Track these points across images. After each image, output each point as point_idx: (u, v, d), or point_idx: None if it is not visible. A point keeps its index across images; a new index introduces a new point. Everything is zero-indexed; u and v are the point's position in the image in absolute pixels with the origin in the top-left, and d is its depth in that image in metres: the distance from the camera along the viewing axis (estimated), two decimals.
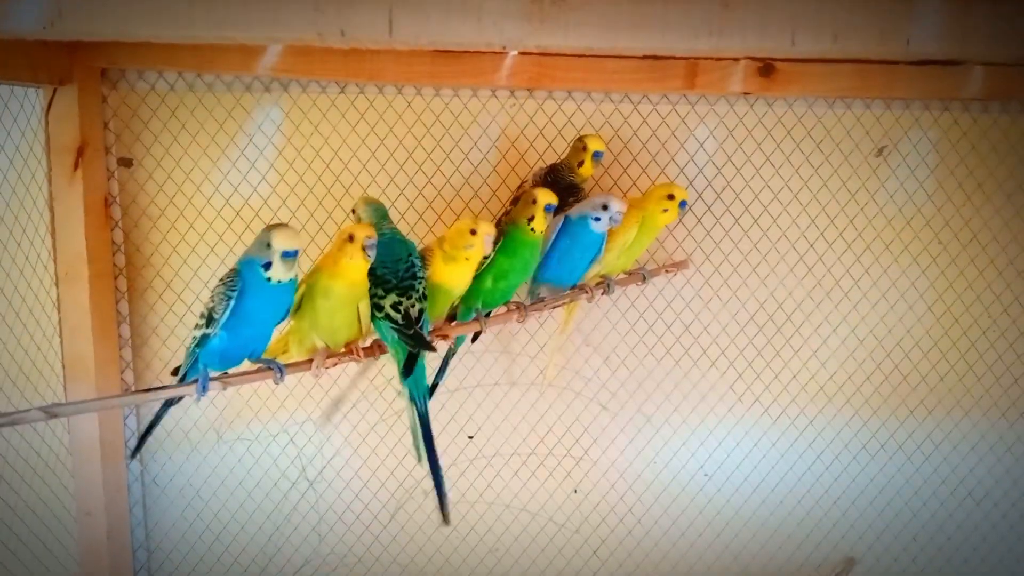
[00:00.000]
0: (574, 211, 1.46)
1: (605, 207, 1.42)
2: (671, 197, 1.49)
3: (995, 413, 1.78)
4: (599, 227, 1.43)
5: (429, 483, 1.41)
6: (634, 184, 1.69)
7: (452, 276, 1.36)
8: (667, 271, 1.68)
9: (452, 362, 1.59)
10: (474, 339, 1.64)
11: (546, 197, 1.38)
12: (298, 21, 0.97)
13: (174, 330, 1.68)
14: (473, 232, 1.31)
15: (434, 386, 1.56)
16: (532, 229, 1.38)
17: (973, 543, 1.84)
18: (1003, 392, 1.77)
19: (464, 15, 0.96)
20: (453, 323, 1.47)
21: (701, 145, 1.68)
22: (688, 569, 1.84)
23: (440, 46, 1.00)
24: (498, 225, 1.40)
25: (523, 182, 1.64)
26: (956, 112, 1.67)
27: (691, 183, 1.69)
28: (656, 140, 1.67)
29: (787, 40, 0.98)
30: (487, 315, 1.47)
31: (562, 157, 1.59)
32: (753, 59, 1.53)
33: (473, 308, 1.46)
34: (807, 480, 1.81)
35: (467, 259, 1.33)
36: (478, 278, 1.41)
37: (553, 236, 1.46)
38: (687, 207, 1.52)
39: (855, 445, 1.79)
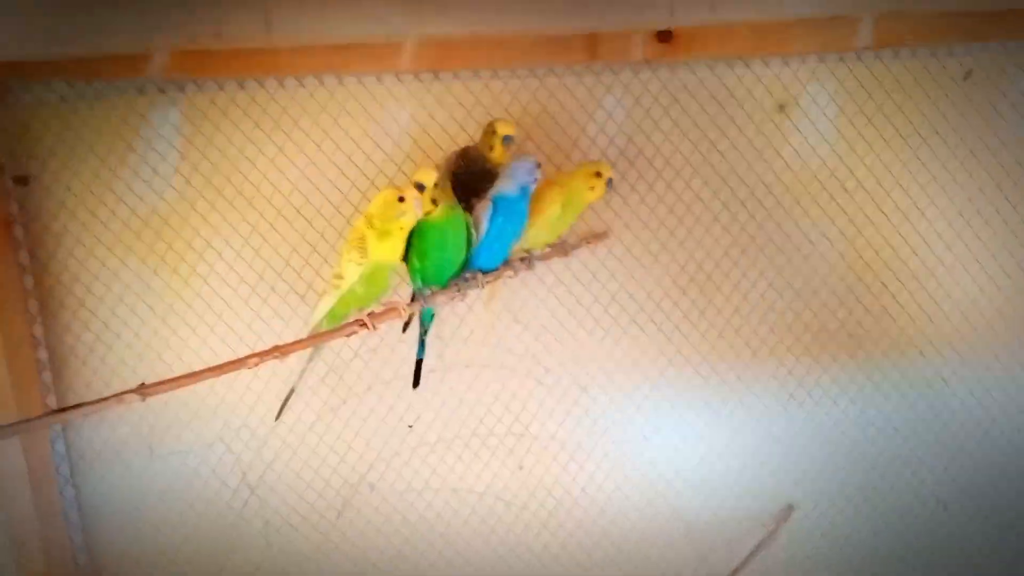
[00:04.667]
0: (503, 188, 1.45)
1: (539, 166, 1.42)
2: (598, 175, 1.50)
3: (912, 351, 1.86)
4: (522, 190, 1.43)
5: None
6: (548, 159, 1.69)
7: (388, 251, 1.34)
8: (589, 243, 1.69)
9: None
10: (404, 327, 1.63)
11: (418, 176, 1.36)
12: (170, 26, 0.95)
13: (93, 348, 1.64)
14: (402, 199, 1.29)
15: (419, 363, 1.57)
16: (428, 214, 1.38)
17: (905, 478, 1.92)
18: (918, 331, 1.84)
19: (345, 9, 0.95)
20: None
21: (610, 114, 1.70)
22: (634, 531, 1.88)
23: (322, 42, 0.99)
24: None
25: (436, 166, 1.63)
26: (851, 63, 1.71)
27: (603, 153, 1.70)
28: (565, 113, 1.68)
29: (665, 13, 1.00)
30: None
31: (475, 142, 1.59)
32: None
33: (423, 287, 1.45)
34: (742, 434, 1.86)
35: (401, 228, 1.32)
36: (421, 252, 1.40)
37: (486, 222, 1.44)
38: (613, 184, 1.54)
39: (783, 395, 1.85)
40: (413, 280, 1.46)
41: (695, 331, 1.81)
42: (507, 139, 1.52)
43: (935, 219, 1.80)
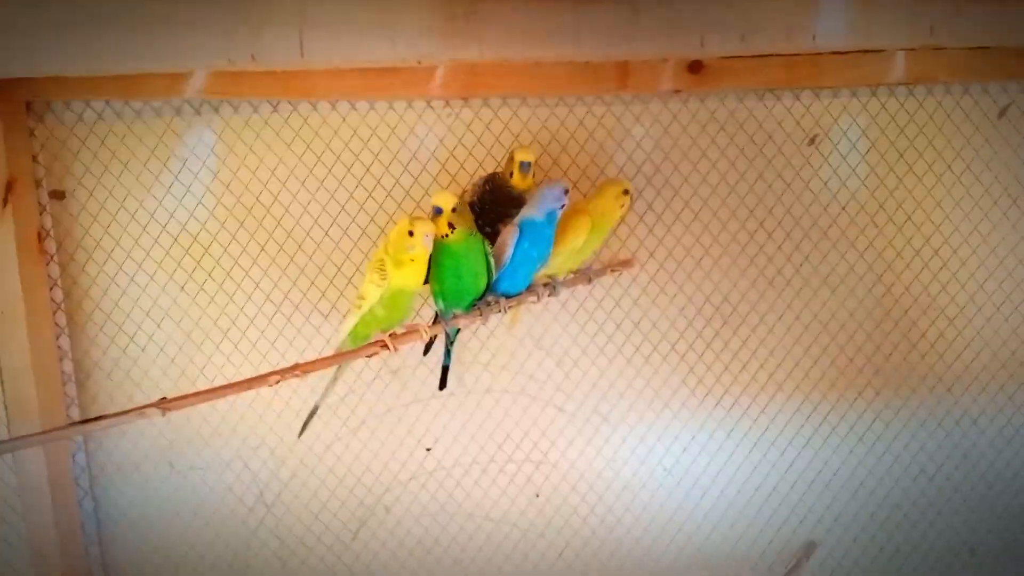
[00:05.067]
0: (530, 213, 1.44)
1: (567, 191, 1.41)
2: (626, 192, 1.50)
3: (940, 389, 1.83)
4: (549, 216, 1.43)
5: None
6: (575, 186, 1.69)
7: (406, 277, 1.35)
8: (612, 271, 1.69)
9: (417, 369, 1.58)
10: (426, 350, 1.64)
11: (438, 199, 1.37)
12: (208, 48, 0.97)
13: (118, 362, 1.65)
14: (411, 234, 1.31)
15: (445, 370, 1.57)
16: (443, 237, 1.39)
17: (929, 518, 1.88)
18: (947, 368, 1.82)
19: (377, 33, 0.97)
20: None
21: (638, 144, 1.70)
22: (653, 564, 1.85)
23: (353, 65, 1.01)
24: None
25: (463, 192, 1.64)
26: (883, 97, 1.70)
27: (631, 181, 1.70)
28: (594, 141, 1.69)
29: (696, 42, 1.00)
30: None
31: (501, 169, 1.59)
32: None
33: (445, 310, 1.46)
34: (763, 467, 1.84)
35: (412, 260, 1.33)
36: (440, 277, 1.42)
37: (511, 247, 1.44)
38: (630, 195, 1.54)
39: (808, 429, 1.82)
40: (436, 302, 1.46)
41: (719, 362, 1.79)
42: (525, 165, 1.51)
43: (967, 256, 1.78)
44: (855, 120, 1.71)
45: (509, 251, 1.42)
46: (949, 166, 1.74)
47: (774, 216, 1.74)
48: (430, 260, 1.39)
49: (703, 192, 1.72)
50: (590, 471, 1.81)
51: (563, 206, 1.42)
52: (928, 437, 1.84)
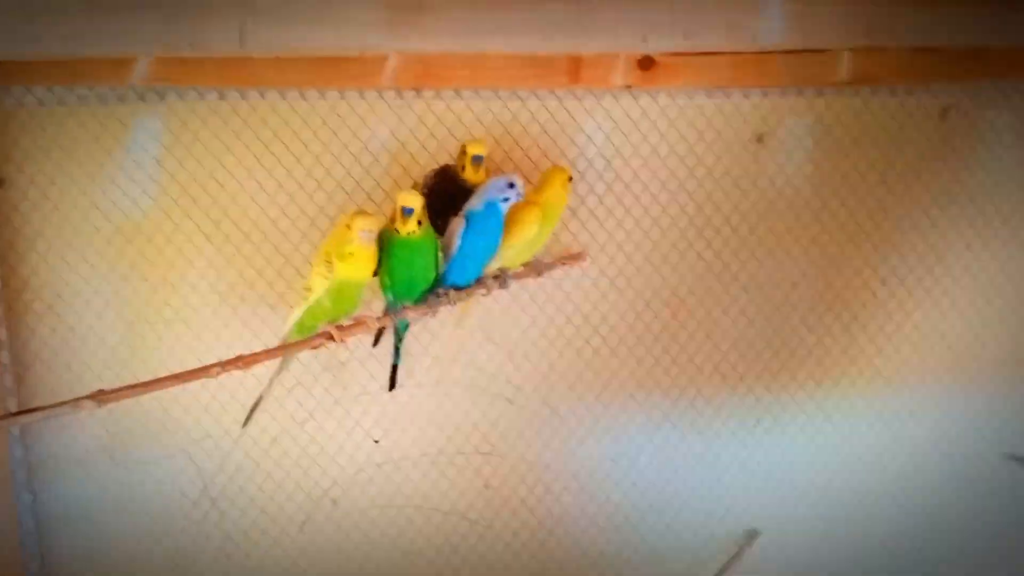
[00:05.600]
0: (475, 204, 1.45)
1: (511, 185, 1.42)
2: (571, 179, 1.52)
3: (879, 382, 1.88)
4: (506, 208, 1.43)
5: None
6: (528, 180, 1.69)
7: (353, 270, 1.35)
8: (564, 264, 1.69)
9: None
10: (375, 342, 1.63)
11: (401, 200, 1.37)
12: (147, 34, 0.94)
13: (59, 353, 1.61)
14: (350, 228, 1.31)
15: (394, 369, 1.58)
16: (397, 231, 1.38)
17: (867, 508, 1.94)
18: (887, 361, 1.87)
19: (321, 23, 0.95)
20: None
21: (590, 139, 1.70)
22: (598, 553, 1.88)
23: (297, 54, 0.99)
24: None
25: (415, 184, 1.63)
26: (830, 97, 1.73)
27: (583, 176, 1.71)
28: (546, 135, 1.69)
29: (638, 39, 1.01)
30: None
31: (453, 161, 1.59)
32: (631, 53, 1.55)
33: (394, 302, 1.46)
34: (708, 458, 1.87)
35: (351, 254, 1.32)
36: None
37: (458, 239, 1.44)
38: (571, 181, 1.55)
39: (751, 420, 1.86)
40: (384, 295, 1.45)
41: (666, 355, 1.82)
42: (477, 159, 1.51)
43: (907, 253, 1.83)
44: (801, 119, 1.74)
45: (456, 242, 1.42)
46: (892, 165, 1.78)
47: (722, 212, 1.77)
48: (380, 252, 1.38)
49: (653, 187, 1.74)
50: (538, 462, 1.82)
51: (507, 199, 1.42)
52: (868, 427, 1.89)
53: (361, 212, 1.34)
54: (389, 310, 1.47)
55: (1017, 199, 1.83)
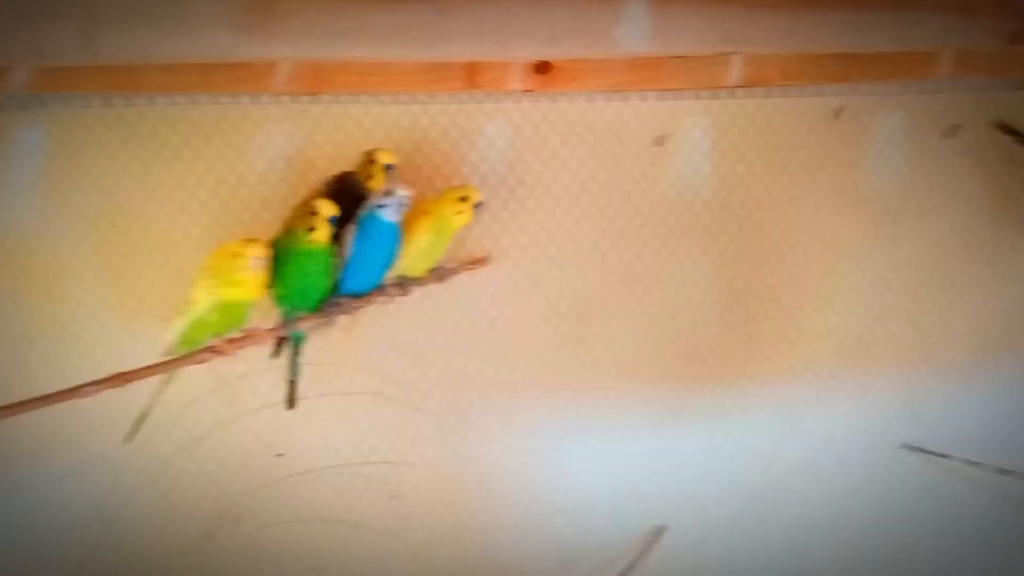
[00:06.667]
0: (363, 212, 1.45)
1: (388, 193, 1.41)
2: (464, 199, 1.51)
3: (779, 378, 1.92)
4: (390, 214, 1.42)
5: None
6: (429, 185, 1.68)
7: (240, 291, 1.31)
8: (468, 269, 1.69)
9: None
10: (275, 352, 1.59)
11: (328, 209, 1.35)
12: (19, 43, 0.89)
13: None
14: (237, 256, 1.29)
15: (292, 385, 1.56)
16: (313, 240, 1.35)
17: (770, 502, 1.98)
18: (784, 356, 1.91)
19: (169, 28, 0.92)
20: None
21: (492, 142, 1.70)
22: (508, 558, 1.88)
23: (145, 60, 0.95)
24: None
25: (313, 192, 1.60)
26: (724, 99, 1.77)
27: (484, 181, 1.70)
28: (448, 140, 1.68)
29: (499, 46, 1.01)
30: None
31: (353, 168, 1.57)
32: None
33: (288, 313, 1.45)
34: (615, 457, 1.88)
35: (241, 282, 1.29)
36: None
37: (350, 245, 1.43)
38: (482, 207, 1.54)
39: (656, 418, 1.88)
40: (278, 306, 1.42)
41: (572, 357, 1.83)
42: (389, 168, 1.51)
43: (805, 251, 1.88)
44: (698, 121, 1.77)
45: (348, 249, 1.40)
46: (786, 166, 1.82)
47: (624, 214, 1.79)
48: (274, 263, 1.35)
49: (555, 191, 1.75)
50: (448, 470, 1.81)
51: (384, 206, 1.41)
52: (765, 424, 1.94)
53: (250, 241, 1.31)
54: (283, 322, 1.44)
55: (907, 197, 1.91)
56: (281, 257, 1.35)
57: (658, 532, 1.93)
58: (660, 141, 1.77)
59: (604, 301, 1.82)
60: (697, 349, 1.88)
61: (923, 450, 2.03)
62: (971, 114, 1.87)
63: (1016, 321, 2.04)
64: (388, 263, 1.49)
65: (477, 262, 1.71)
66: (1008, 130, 1.84)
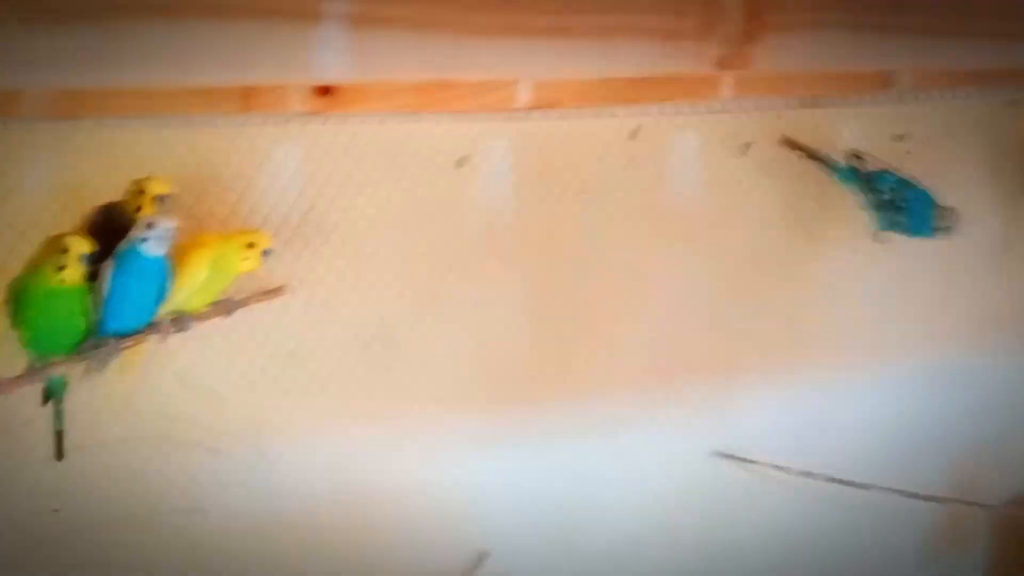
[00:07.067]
0: (123, 245, 1.35)
1: (149, 225, 1.32)
2: (251, 246, 1.44)
3: (591, 396, 1.94)
4: (152, 248, 1.32)
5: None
6: (211, 214, 1.59)
7: None
8: (260, 300, 1.61)
9: None
10: (45, 400, 1.46)
11: (80, 246, 1.25)
12: None
13: None
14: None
15: (58, 435, 1.45)
16: (63, 280, 1.24)
17: (591, 520, 1.99)
18: (594, 375, 1.93)
19: None
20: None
21: (280, 167, 1.63)
22: None
23: None
24: None
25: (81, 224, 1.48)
26: (519, 121, 1.77)
27: (274, 207, 1.63)
28: (229, 165, 1.59)
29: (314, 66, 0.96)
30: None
31: (122, 198, 1.46)
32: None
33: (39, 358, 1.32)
34: (429, 485, 1.84)
35: None
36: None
37: (107, 281, 1.33)
38: (270, 254, 1.47)
39: (469, 443, 1.85)
40: (27, 350, 1.30)
41: (379, 386, 1.77)
42: (161, 198, 1.41)
43: (610, 269, 1.91)
44: (495, 143, 1.76)
45: (106, 286, 1.30)
46: (585, 186, 1.84)
47: (426, 238, 1.75)
48: (18, 304, 1.24)
49: (352, 215, 1.69)
50: (248, 513, 1.71)
51: (146, 240, 1.32)
52: (581, 442, 1.95)
53: None
54: (33, 366, 1.31)
55: (705, 213, 1.97)
56: (25, 297, 1.24)
57: (481, 557, 1.90)
58: (461, 163, 1.75)
59: (411, 327, 1.78)
60: (510, 372, 1.87)
61: (733, 456, 2.09)
62: (760, 132, 1.96)
63: (814, 328, 2.14)
64: (157, 299, 1.39)
65: (271, 292, 1.63)
66: (793, 145, 1.93)
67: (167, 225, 1.31)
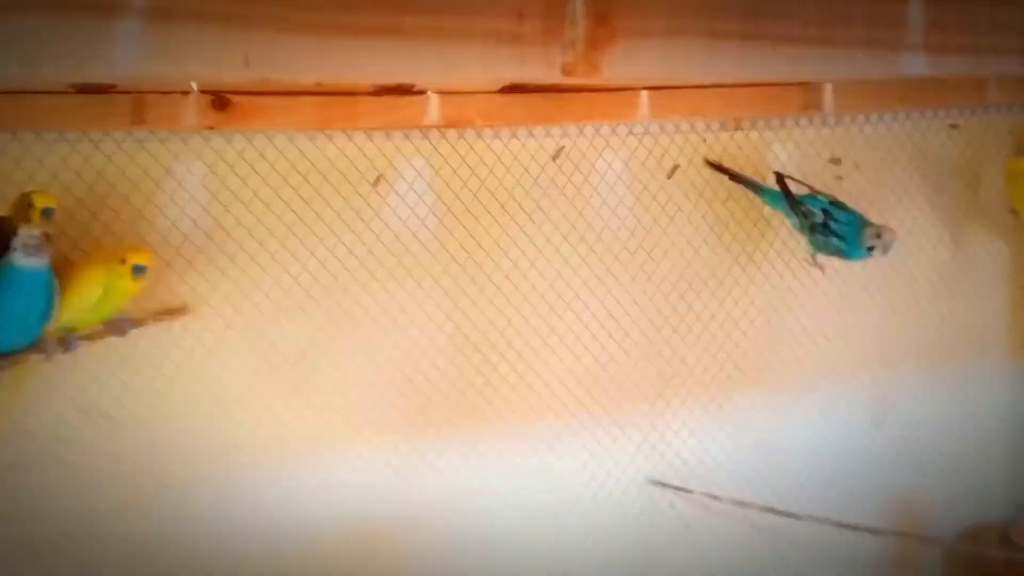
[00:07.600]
0: (4, 261, 1.30)
1: (28, 241, 1.28)
2: (123, 261, 1.40)
3: (519, 420, 1.88)
4: (20, 259, 1.28)
5: None
6: (107, 230, 1.55)
7: None
8: (159, 320, 1.56)
9: None
10: None
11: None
12: None
13: None
14: None
15: None
16: None
17: (518, 547, 1.92)
18: (521, 399, 1.87)
19: None
20: None
21: (180, 183, 1.59)
22: None
23: None
24: None
25: None
26: (433, 139, 1.74)
27: (175, 223, 1.59)
28: (127, 180, 1.55)
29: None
30: None
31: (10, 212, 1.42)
32: (204, 92, 1.46)
33: None
34: (353, 513, 1.77)
35: None
36: None
37: None
38: (144, 271, 1.42)
39: (386, 467, 1.79)
40: None
41: (289, 411, 1.71)
42: (48, 211, 1.37)
43: (534, 290, 1.86)
44: (410, 160, 1.73)
45: None
46: (503, 206, 1.81)
47: (337, 257, 1.71)
48: None
49: (258, 233, 1.65)
50: (148, 544, 1.64)
51: (15, 250, 1.28)
52: (517, 466, 1.88)
53: None
54: None
55: (636, 235, 1.93)
56: None
57: None
58: (376, 181, 1.71)
59: (323, 349, 1.73)
60: (431, 396, 1.82)
61: (667, 484, 2.02)
62: (687, 154, 1.93)
63: (751, 353, 2.09)
64: (40, 316, 1.34)
65: (171, 312, 1.58)
66: (719, 168, 1.90)
67: (30, 233, 1.26)
